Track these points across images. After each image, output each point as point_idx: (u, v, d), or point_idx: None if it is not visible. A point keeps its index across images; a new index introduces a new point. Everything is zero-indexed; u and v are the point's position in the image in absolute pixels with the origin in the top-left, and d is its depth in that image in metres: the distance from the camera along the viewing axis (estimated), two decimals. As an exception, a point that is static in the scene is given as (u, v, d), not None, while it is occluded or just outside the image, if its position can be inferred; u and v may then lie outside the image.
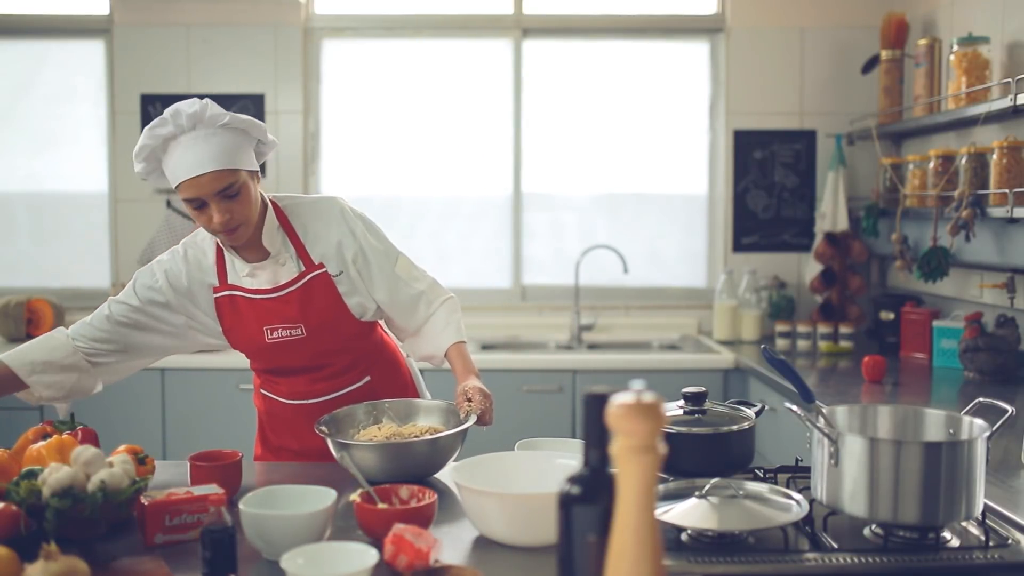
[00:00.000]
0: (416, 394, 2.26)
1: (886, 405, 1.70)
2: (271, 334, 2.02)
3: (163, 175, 1.93)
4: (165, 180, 1.93)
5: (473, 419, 1.89)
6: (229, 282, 2.03)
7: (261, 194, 1.99)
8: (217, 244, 2.04)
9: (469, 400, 1.94)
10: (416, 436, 1.89)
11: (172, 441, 3.62)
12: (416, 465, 1.81)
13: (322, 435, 1.86)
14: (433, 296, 2.14)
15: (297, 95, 4.16)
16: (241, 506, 1.44)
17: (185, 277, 2.03)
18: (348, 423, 1.98)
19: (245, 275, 2.02)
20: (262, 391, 2.18)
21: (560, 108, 4.29)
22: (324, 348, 2.06)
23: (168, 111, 1.85)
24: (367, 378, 2.13)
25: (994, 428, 1.53)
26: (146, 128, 1.87)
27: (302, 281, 2.01)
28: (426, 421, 2.01)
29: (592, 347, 4.07)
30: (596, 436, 1.11)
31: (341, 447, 1.79)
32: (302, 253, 2.03)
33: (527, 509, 1.46)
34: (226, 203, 1.87)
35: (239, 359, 3.59)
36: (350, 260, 2.04)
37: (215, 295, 2.04)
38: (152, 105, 4.15)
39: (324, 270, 2.02)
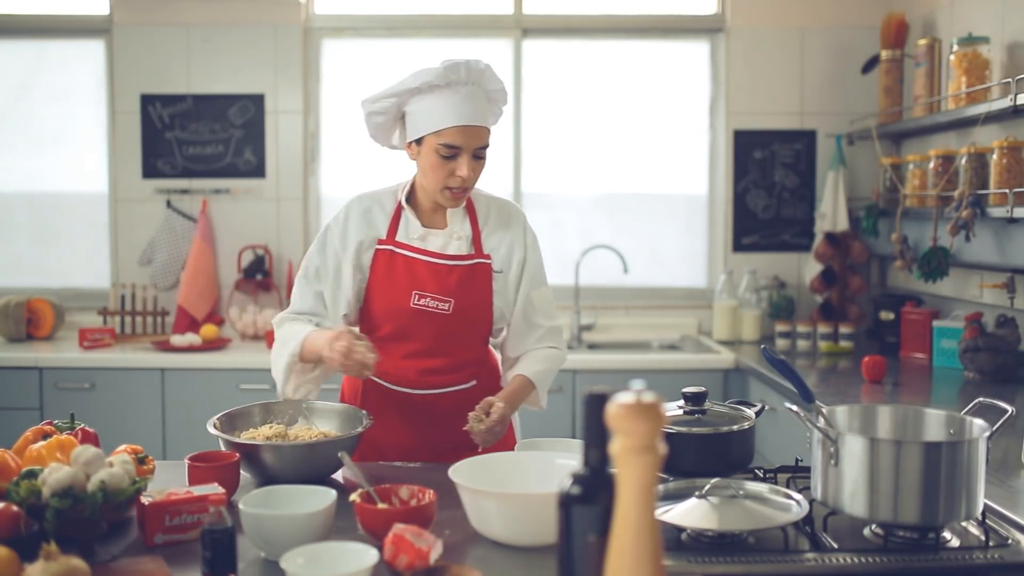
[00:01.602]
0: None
1: (886, 405, 1.70)
2: (418, 299, 2.04)
3: (393, 122, 2.07)
4: (386, 131, 2.09)
5: (366, 425, 1.88)
6: (397, 239, 2.08)
7: None
8: (398, 202, 2.11)
9: (487, 414, 1.93)
10: (299, 439, 1.88)
11: (172, 441, 3.62)
12: (296, 468, 1.78)
13: (214, 431, 1.86)
14: (548, 337, 2.16)
15: (297, 95, 4.16)
16: (241, 506, 1.44)
17: (354, 231, 2.09)
18: (244, 421, 1.97)
19: (416, 237, 2.08)
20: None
21: (560, 108, 4.29)
22: (456, 333, 2.07)
23: (459, 61, 1.96)
24: (473, 382, 2.12)
25: (994, 428, 1.53)
26: (439, 65, 1.96)
27: (471, 261, 2.08)
28: (325, 425, 2.00)
29: (592, 347, 4.07)
30: (596, 436, 1.11)
31: (227, 444, 1.81)
32: (476, 239, 2.11)
33: (527, 509, 1.46)
34: (474, 162, 2.00)
35: (239, 359, 3.64)
36: (514, 264, 2.12)
37: (377, 247, 2.08)
38: (152, 105, 4.15)
39: (489, 262, 2.09)
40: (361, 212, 2.11)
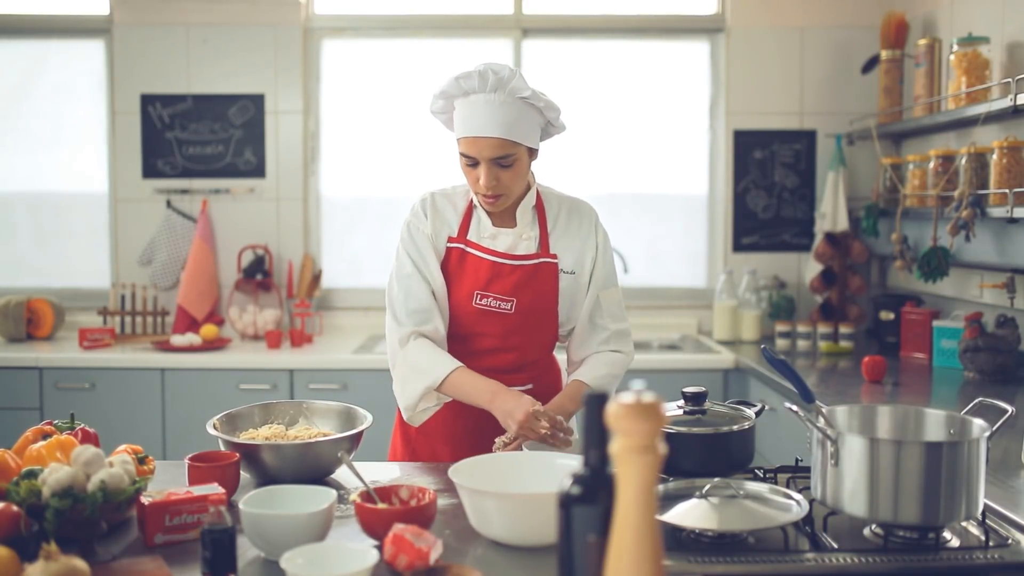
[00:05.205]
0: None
1: (886, 405, 1.70)
2: (479, 300, 2.05)
3: (452, 120, 2.04)
4: (452, 123, 2.05)
5: (366, 423, 1.87)
6: (468, 237, 2.09)
7: (532, 173, 2.11)
8: (470, 200, 2.11)
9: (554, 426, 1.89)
10: (299, 439, 1.88)
11: (172, 441, 3.62)
12: (296, 467, 1.78)
13: (213, 431, 1.86)
14: (614, 340, 2.12)
15: (297, 95, 4.16)
16: (241, 506, 1.44)
17: (430, 225, 2.09)
18: (243, 422, 1.97)
19: (487, 236, 2.08)
20: None
21: (560, 108, 4.27)
22: (523, 332, 2.07)
23: (479, 66, 1.93)
24: (530, 385, 2.11)
25: (994, 428, 1.53)
26: (453, 76, 1.96)
27: (535, 260, 2.07)
28: (325, 425, 1.99)
29: (592, 347, 4.06)
30: (596, 436, 1.11)
31: (227, 444, 1.81)
32: (544, 240, 2.09)
33: (527, 509, 1.46)
34: (496, 170, 1.97)
35: (239, 359, 3.64)
36: (587, 265, 2.10)
37: (448, 244, 2.09)
38: (152, 105, 4.15)
39: (556, 261, 2.08)
40: (435, 207, 2.11)
